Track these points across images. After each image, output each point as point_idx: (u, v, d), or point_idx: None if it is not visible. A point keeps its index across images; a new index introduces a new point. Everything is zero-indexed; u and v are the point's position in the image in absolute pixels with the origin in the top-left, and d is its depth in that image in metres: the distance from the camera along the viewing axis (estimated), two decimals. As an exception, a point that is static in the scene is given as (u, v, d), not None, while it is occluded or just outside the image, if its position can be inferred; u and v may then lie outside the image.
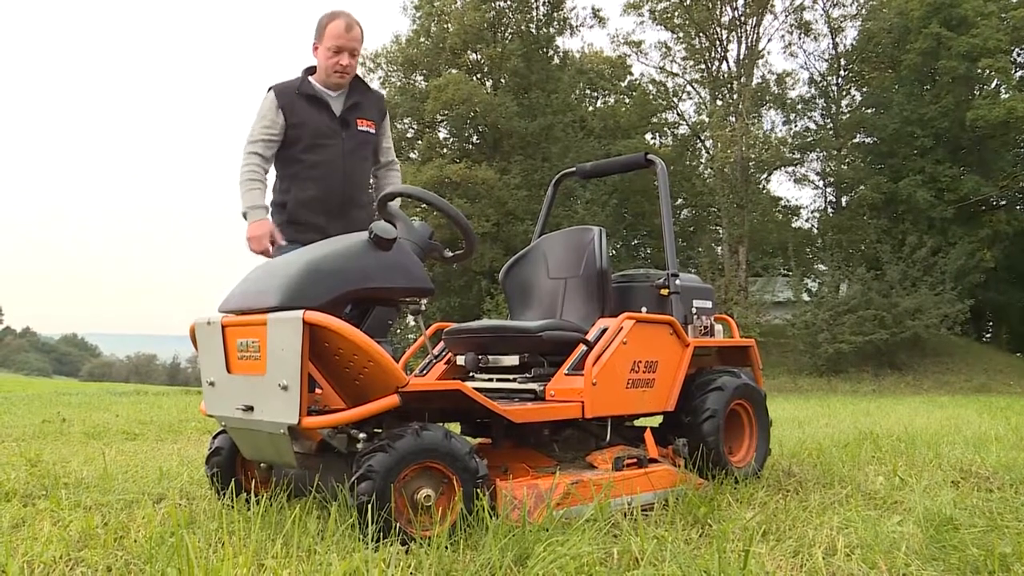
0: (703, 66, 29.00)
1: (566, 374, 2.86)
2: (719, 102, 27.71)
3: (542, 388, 2.89)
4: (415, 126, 28.75)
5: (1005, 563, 1.94)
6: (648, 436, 3.08)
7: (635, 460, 2.90)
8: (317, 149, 3.34)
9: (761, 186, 28.10)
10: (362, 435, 2.28)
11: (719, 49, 27.93)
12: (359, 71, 3.50)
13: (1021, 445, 4.67)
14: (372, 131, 3.46)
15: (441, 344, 3.33)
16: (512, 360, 2.99)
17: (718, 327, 3.49)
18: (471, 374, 3.19)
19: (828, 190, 29.86)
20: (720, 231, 27.74)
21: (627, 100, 32.20)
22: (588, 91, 32.43)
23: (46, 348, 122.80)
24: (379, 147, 3.55)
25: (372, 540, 2.02)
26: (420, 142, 28.05)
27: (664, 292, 3.28)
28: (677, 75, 30.77)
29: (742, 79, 26.94)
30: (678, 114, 32.02)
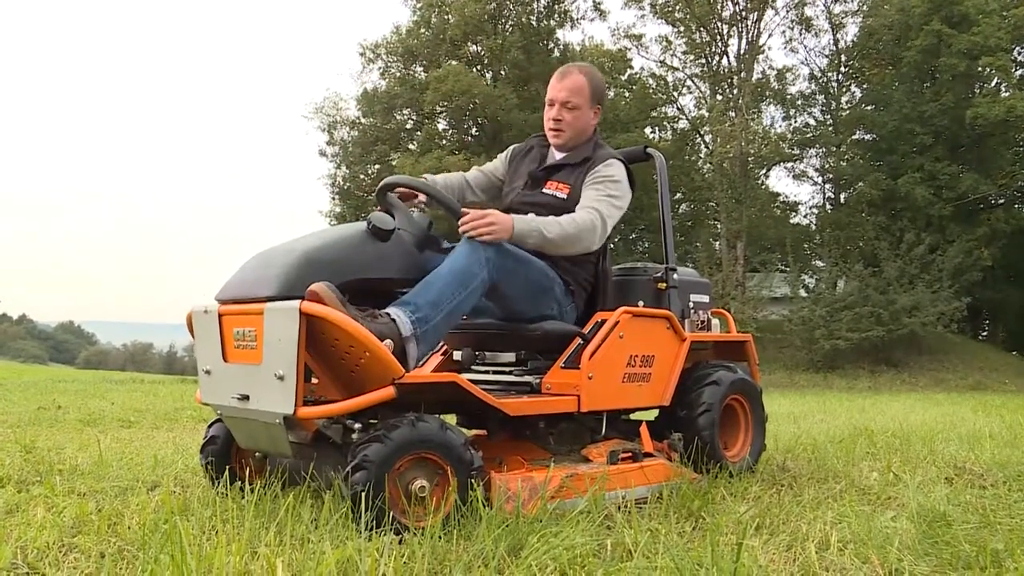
0: (703, 60, 29.00)
1: (562, 367, 2.85)
2: (719, 97, 27.70)
3: (538, 381, 2.89)
4: (414, 117, 28.69)
5: (997, 559, 1.95)
6: (643, 430, 3.09)
7: (630, 454, 2.90)
8: (497, 200, 3.23)
9: (760, 181, 28.12)
10: (357, 425, 2.28)
11: (720, 44, 27.91)
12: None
13: (1015, 443, 4.68)
14: (563, 195, 3.03)
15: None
16: (508, 356, 2.98)
17: (715, 322, 3.49)
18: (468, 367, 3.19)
19: (827, 186, 29.92)
20: (718, 226, 27.75)
21: (627, 94, 32.09)
22: (588, 84, 32.30)
23: (43, 335, 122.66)
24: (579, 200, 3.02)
25: (366, 529, 2.02)
26: (419, 133, 28.00)
27: (661, 286, 3.27)
28: (677, 69, 30.76)
29: (742, 74, 26.94)
30: (678, 108, 31.98)
